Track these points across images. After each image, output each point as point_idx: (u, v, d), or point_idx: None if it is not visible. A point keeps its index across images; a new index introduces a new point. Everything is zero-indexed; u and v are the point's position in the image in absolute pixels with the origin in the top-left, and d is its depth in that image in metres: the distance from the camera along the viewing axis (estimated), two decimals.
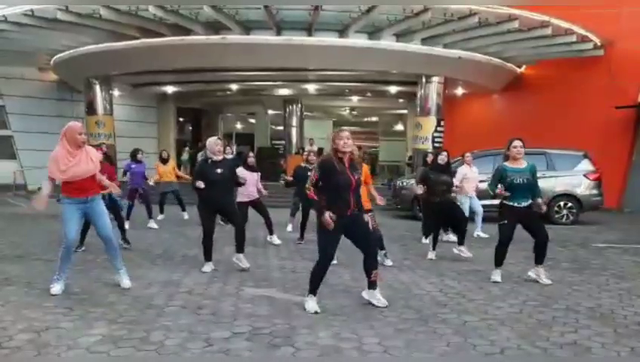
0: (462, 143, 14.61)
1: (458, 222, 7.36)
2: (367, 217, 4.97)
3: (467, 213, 9.24)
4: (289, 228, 9.73)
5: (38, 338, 3.84)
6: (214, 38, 15.12)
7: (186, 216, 11.42)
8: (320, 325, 4.23)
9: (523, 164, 5.87)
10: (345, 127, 4.77)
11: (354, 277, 5.82)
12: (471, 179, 9.39)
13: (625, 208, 15.42)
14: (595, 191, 12.14)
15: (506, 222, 5.85)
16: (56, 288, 5.03)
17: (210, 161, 6.22)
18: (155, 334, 3.97)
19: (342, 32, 15.49)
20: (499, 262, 5.97)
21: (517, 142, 5.90)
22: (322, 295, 4.90)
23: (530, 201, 5.83)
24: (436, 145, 16.47)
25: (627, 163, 15.85)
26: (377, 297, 4.75)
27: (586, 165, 12.20)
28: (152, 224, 10.22)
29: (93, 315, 4.39)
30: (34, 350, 3.61)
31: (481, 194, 9.59)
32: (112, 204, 7.21)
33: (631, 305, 5.00)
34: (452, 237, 8.34)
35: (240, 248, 6.33)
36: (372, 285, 4.78)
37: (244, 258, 6.34)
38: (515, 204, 5.79)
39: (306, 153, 10.61)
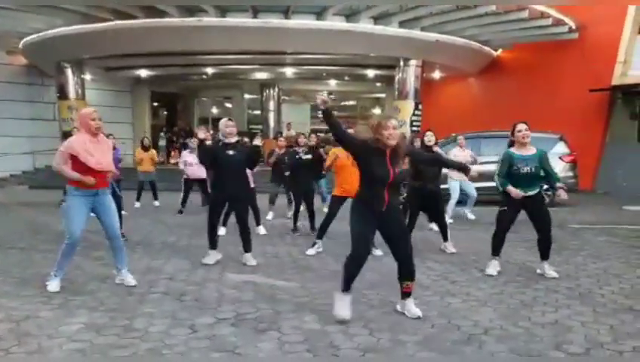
0: (439, 127, 14.54)
1: (437, 218, 7.13)
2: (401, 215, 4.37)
3: (457, 196, 9.35)
4: (269, 216, 9.65)
5: (17, 327, 3.76)
6: (190, 20, 14.79)
7: (156, 203, 11.60)
8: (305, 310, 4.23)
9: (531, 151, 5.32)
10: (391, 116, 4.01)
11: (339, 262, 5.80)
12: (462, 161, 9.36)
13: (598, 189, 15.74)
14: (570, 174, 12.34)
15: (506, 208, 5.43)
16: (54, 284, 4.71)
17: (221, 143, 5.97)
18: (138, 321, 3.91)
19: (319, 14, 15.33)
20: (496, 250, 5.59)
21: (521, 126, 5.35)
22: (307, 279, 4.90)
23: (537, 190, 5.39)
24: (414, 128, 16.53)
25: (600, 145, 16.15)
26: (408, 308, 4.14)
27: (561, 148, 12.37)
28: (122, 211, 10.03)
29: (73, 303, 4.31)
30: (14, 339, 3.52)
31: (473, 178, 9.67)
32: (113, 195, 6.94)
33: (608, 284, 5.11)
34: (434, 228, 8.30)
35: (247, 247, 6.00)
36: (405, 295, 4.18)
37: (251, 257, 5.96)
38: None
39: (282, 139, 10.53)
